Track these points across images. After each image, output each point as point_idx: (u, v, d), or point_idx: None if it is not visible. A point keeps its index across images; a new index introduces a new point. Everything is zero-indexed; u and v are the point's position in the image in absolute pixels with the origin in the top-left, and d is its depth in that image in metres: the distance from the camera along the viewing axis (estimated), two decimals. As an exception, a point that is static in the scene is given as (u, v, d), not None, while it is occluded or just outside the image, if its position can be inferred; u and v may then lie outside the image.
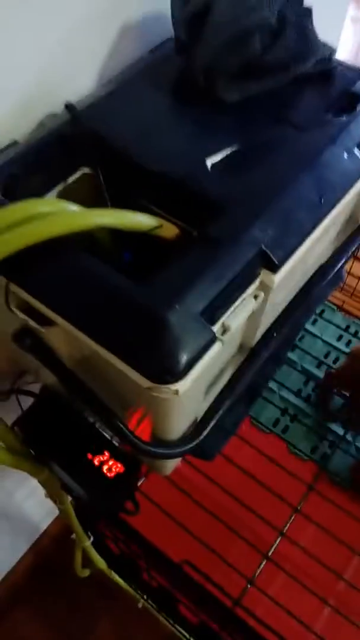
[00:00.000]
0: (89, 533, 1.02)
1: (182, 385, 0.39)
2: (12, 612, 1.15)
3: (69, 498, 0.80)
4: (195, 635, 1.04)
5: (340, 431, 1.30)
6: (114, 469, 0.58)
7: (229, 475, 0.93)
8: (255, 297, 0.45)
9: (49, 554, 1.19)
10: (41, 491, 0.89)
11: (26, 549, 1.14)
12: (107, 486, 0.57)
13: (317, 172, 0.47)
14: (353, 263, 1.47)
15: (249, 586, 0.64)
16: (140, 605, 1.09)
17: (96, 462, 0.58)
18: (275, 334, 0.56)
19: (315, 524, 0.74)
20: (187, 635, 1.04)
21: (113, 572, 1.10)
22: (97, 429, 0.60)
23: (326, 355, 1.42)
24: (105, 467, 0.58)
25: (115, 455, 0.59)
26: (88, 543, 1.01)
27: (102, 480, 0.58)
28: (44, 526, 1.15)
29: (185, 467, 0.99)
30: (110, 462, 0.58)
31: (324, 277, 0.61)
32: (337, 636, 0.88)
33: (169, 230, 0.45)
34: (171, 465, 0.58)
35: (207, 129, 0.50)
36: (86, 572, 1.13)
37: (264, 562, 0.66)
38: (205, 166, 0.46)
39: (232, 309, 0.42)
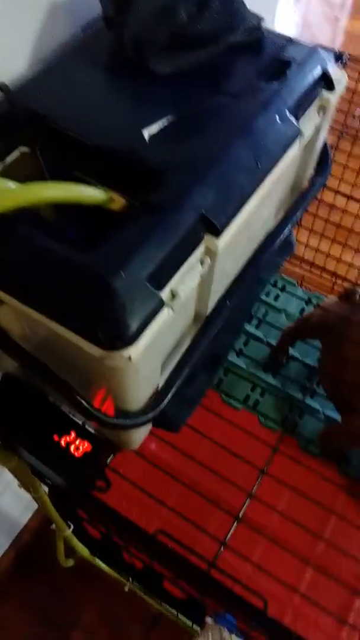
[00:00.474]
0: (69, 522, 1.03)
1: (134, 352, 0.40)
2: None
3: (43, 487, 0.80)
4: (182, 611, 1.06)
5: (310, 401, 1.33)
6: (81, 448, 0.58)
7: (200, 450, 0.94)
8: (202, 262, 0.46)
9: (30, 548, 1.18)
10: (16, 485, 0.89)
11: (7, 545, 1.13)
12: (76, 465, 0.58)
13: (252, 137, 0.48)
14: (309, 236, 1.51)
15: (222, 548, 0.66)
16: (126, 588, 1.10)
17: (63, 443, 0.59)
18: (228, 302, 0.57)
19: (289, 487, 0.76)
20: (175, 612, 1.06)
21: (96, 559, 1.11)
22: (61, 410, 0.60)
23: (255, 311, 1.46)
24: (72, 447, 0.58)
25: (81, 434, 0.59)
26: (68, 532, 1.01)
27: (70, 461, 0.58)
28: (23, 521, 1.15)
29: (156, 445, 1.00)
30: (77, 442, 0.58)
31: (271, 244, 0.62)
32: (316, 594, 0.91)
33: (118, 202, 0.46)
34: (137, 438, 0.59)
35: (143, 101, 0.51)
36: (70, 562, 1.14)
37: (235, 524, 0.68)
38: (143, 137, 0.47)
39: (178, 274, 0.43)
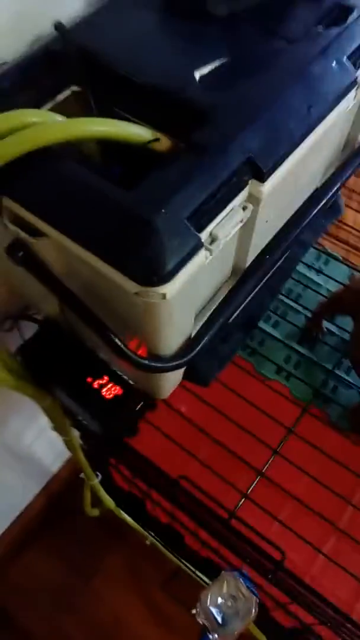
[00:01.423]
0: (97, 472, 1.06)
1: (169, 290, 0.40)
2: (26, 551, 1.20)
3: (75, 431, 0.82)
4: (200, 569, 1.09)
5: (345, 376, 1.31)
6: (112, 391, 0.60)
7: (230, 410, 0.95)
8: (244, 208, 0.45)
9: (60, 496, 1.23)
10: (50, 433, 0.92)
11: (38, 491, 1.18)
12: (106, 407, 0.59)
13: (306, 83, 0.47)
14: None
15: (243, 500, 0.66)
16: (148, 542, 1.13)
17: (95, 385, 0.60)
18: (267, 258, 0.56)
19: (318, 449, 0.76)
20: (193, 569, 1.09)
21: (121, 511, 1.14)
22: (97, 356, 0.62)
23: (295, 283, 1.44)
24: (104, 390, 0.60)
25: (114, 379, 0.60)
26: (96, 481, 1.04)
27: (101, 402, 0.59)
28: (54, 469, 1.19)
29: (186, 408, 1.02)
30: (109, 385, 0.60)
31: (318, 202, 0.61)
32: (340, 559, 0.91)
33: (164, 143, 0.46)
34: (167, 385, 0.60)
35: (197, 43, 0.50)
36: (96, 512, 1.18)
37: (257, 479, 0.69)
38: (194, 78, 0.46)
39: (219, 218, 0.43)
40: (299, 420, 0.79)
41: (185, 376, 0.65)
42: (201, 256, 0.42)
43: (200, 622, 0.72)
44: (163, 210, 0.39)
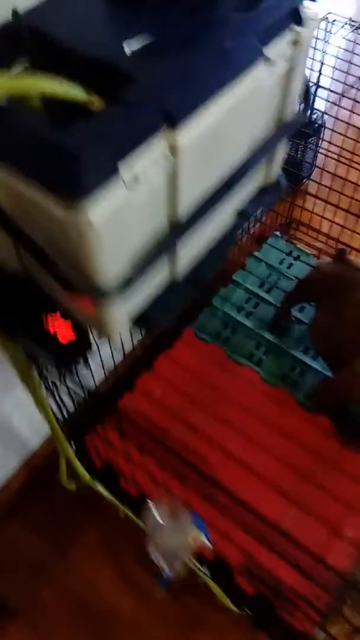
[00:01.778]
0: (72, 443, 1.12)
1: (94, 215, 0.48)
2: (6, 524, 1.26)
3: (44, 390, 0.89)
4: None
5: (312, 362, 1.39)
6: (65, 331, 0.67)
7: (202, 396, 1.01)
8: (165, 157, 0.54)
9: (40, 471, 1.29)
10: (28, 409, 0.99)
11: (19, 466, 1.24)
12: (62, 349, 0.67)
13: (219, 55, 0.56)
14: (324, 208, 1.55)
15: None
16: (122, 515, 1.19)
17: (51, 330, 0.68)
18: (200, 213, 0.65)
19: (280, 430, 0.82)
20: None
21: (96, 484, 1.20)
22: (52, 298, 0.69)
23: (268, 276, 1.54)
24: (58, 330, 0.68)
25: (64, 315, 0.68)
26: (70, 451, 1.11)
27: (57, 345, 0.67)
28: (34, 445, 1.26)
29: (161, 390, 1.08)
30: (63, 327, 0.68)
31: (246, 167, 0.70)
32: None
33: (97, 104, 0.55)
34: (115, 327, 0.67)
35: (131, 24, 0.59)
36: (72, 486, 1.24)
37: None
38: (124, 51, 0.55)
39: (139, 159, 0.51)
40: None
41: (136, 322, 0.72)
42: (121, 189, 0.50)
43: (154, 558, 0.78)
44: (87, 145, 0.47)
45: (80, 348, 0.68)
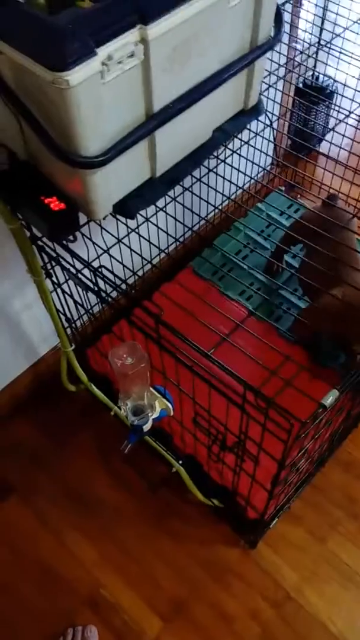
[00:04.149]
0: (72, 343, 1.28)
1: (72, 77, 0.63)
2: (11, 418, 1.43)
3: (43, 274, 1.04)
4: (155, 435, 1.28)
5: (296, 300, 1.51)
6: (58, 205, 0.82)
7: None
8: (136, 46, 0.68)
9: (45, 376, 1.46)
10: (36, 311, 1.14)
11: (27, 367, 1.41)
12: (54, 215, 0.82)
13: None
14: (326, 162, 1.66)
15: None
16: (112, 413, 1.34)
17: (46, 202, 0.83)
18: (172, 106, 0.79)
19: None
20: (154, 439, 1.28)
21: (93, 386, 1.36)
22: (51, 181, 0.84)
23: (267, 226, 1.65)
24: (52, 204, 0.83)
25: (60, 198, 0.83)
26: (69, 349, 1.27)
27: (50, 212, 0.82)
28: (41, 352, 1.42)
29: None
30: (57, 202, 0.83)
31: (220, 75, 0.83)
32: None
33: (87, 3, 0.69)
34: (99, 205, 0.82)
35: None
36: (72, 387, 1.40)
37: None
38: None
39: (114, 43, 0.66)
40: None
41: (116, 210, 0.87)
42: (97, 64, 0.65)
43: (123, 412, 0.92)
44: (70, 25, 0.62)
45: (69, 216, 0.83)
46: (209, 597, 1.20)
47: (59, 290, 1.13)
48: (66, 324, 1.22)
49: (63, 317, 1.20)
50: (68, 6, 0.68)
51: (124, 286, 0.91)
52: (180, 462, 1.23)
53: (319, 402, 0.67)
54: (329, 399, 0.67)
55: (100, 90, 0.68)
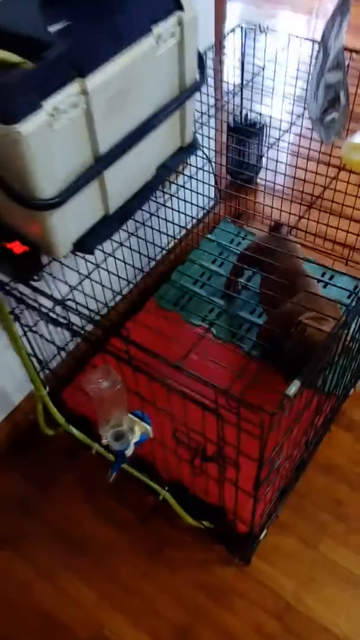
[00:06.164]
0: (46, 386, 1.30)
1: (24, 129, 0.70)
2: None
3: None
4: (137, 468, 1.30)
5: (257, 319, 1.59)
6: (22, 249, 0.88)
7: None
8: (79, 97, 0.76)
9: (22, 424, 1.47)
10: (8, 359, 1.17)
11: (2, 418, 1.42)
12: (17, 259, 0.87)
13: (116, 30, 0.79)
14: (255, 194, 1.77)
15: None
16: (94, 451, 1.35)
17: (9, 247, 0.88)
18: (116, 146, 0.87)
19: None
20: (137, 470, 1.30)
21: (70, 427, 1.37)
22: (12, 228, 0.90)
23: (220, 254, 1.75)
24: (15, 249, 0.88)
25: (23, 242, 0.88)
26: (44, 392, 1.29)
27: (12, 256, 0.87)
28: (16, 401, 1.43)
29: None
30: (18, 246, 0.88)
31: (154, 119, 0.92)
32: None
33: (28, 64, 0.77)
34: (59, 246, 0.88)
35: (54, 14, 0.82)
36: (51, 431, 1.41)
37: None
38: (49, 31, 0.78)
39: (58, 97, 0.73)
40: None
41: (75, 247, 0.93)
42: (44, 116, 0.72)
43: (104, 439, 0.95)
44: (19, 84, 0.69)
45: (32, 257, 0.88)
46: (212, 619, 1.20)
47: (29, 334, 1.17)
48: (39, 367, 1.25)
49: (35, 361, 1.24)
50: (10, 69, 0.76)
51: (95, 317, 0.96)
52: (166, 488, 1.25)
53: (283, 393, 0.72)
54: (292, 389, 0.73)
55: (50, 137, 0.75)
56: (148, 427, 0.97)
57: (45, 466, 1.43)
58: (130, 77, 0.83)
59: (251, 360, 1.46)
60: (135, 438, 0.95)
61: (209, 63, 1.42)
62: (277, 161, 1.65)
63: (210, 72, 1.45)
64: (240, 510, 1.12)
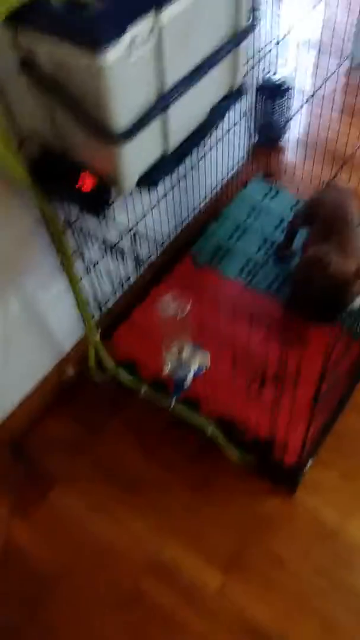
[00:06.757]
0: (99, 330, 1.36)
1: (108, 57, 0.74)
2: (44, 417, 1.49)
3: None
4: (185, 404, 1.36)
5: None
6: (89, 185, 0.93)
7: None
8: (152, 30, 0.80)
9: (70, 373, 1.53)
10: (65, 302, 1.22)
11: (52, 365, 1.48)
12: (86, 195, 0.92)
13: None
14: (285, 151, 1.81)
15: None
16: (143, 392, 1.40)
17: (80, 182, 0.93)
18: (181, 81, 0.91)
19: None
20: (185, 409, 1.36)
21: (120, 371, 1.43)
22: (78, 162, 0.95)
23: (281, 221, 1.78)
24: (85, 185, 0.93)
25: (91, 177, 0.93)
26: (97, 338, 1.35)
27: (86, 192, 0.92)
28: (65, 349, 1.49)
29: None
30: (89, 179, 0.93)
31: (212, 59, 0.96)
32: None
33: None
34: (126, 178, 0.92)
35: None
36: (100, 376, 1.47)
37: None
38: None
39: (135, 28, 0.77)
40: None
41: (139, 182, 0.98)
42: (123, 44, 0.76)
43: (166, 366, 1.01)
44: (102, 14, 0.73)
45: (103, 191, 0.93)
46: (261, 545, 1.27)
47: (87, 276, 1.21)
48: (94, 311, 1.31)
49: (92, 301, 1.28)
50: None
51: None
52: (213, 426, 1.32)
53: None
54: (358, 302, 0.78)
55: (128, 69, 0.79)
56: (207, 356, 1.03)
57: (94, 411, 1.50)
58: (197, 13, 0.87)
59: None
60: (194, 366, 1.01)
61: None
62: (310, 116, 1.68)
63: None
64: (289, 439, 1.18)
